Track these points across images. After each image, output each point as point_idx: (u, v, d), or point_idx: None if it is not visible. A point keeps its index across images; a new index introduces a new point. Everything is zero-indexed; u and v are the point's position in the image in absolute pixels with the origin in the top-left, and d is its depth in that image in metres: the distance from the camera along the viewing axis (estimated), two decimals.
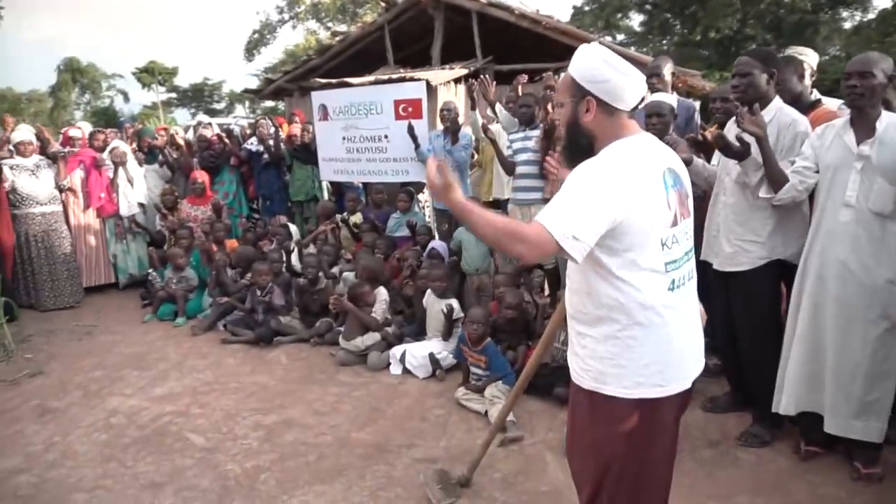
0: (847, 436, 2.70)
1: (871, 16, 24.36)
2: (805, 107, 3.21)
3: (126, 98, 39.74)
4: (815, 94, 3.43)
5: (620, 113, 1.65)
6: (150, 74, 38.88)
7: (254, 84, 31.62)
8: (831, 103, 3.37)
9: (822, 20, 25.63)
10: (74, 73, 38.34)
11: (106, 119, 30.98)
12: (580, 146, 1.69)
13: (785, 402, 2.85)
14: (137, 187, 6.67)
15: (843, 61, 20.77)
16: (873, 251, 2.51)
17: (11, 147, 6.00)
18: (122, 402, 3.96)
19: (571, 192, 1.53)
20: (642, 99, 1.70)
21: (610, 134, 1.65)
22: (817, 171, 2.66)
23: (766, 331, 2.98)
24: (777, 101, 2.95)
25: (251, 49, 34.47)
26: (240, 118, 21.84)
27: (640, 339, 1.62)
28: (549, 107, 4.46)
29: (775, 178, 2.72)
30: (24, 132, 6.14)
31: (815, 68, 3.41)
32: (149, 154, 7.23)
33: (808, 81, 3.36)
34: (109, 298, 6.49)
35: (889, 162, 2.45)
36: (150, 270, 6.34)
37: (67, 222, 6.32)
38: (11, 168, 5.89)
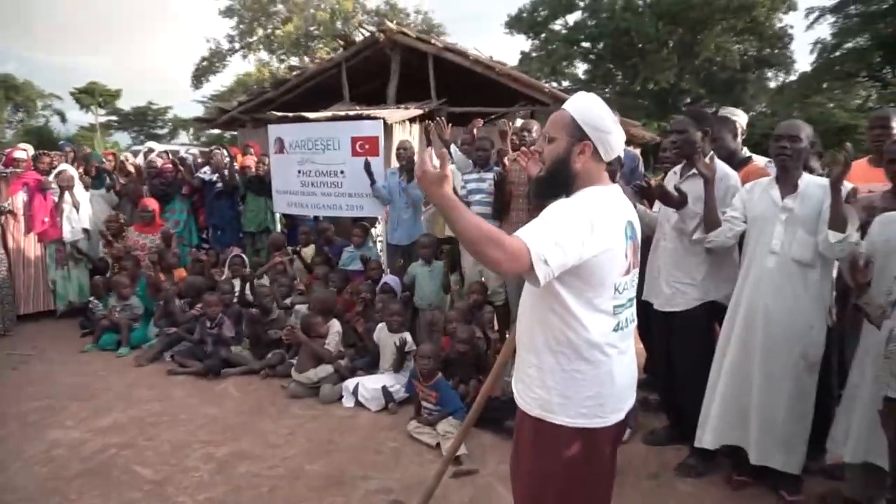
0: (770, 466, 2.93)
1: (793, 77, 26.34)
2: (737, 163, 3.54)
3: (63, 119, 38.44)
4: (746, 152, 3.78)
5: (602, 163, 1.81)
6: (90, 95, 37.83)
7: (199, 111, 31.27)
8: (760, 161, 3.71)
9: (750, 79, 27.53)
10: (8, 91, 36.89)
11: (40, 139, 29.80)
12: (560, 183, 1.80)
13: (708, 437, 3.06)
14: (83, 213, 6.52)
15: (769, 118, 22.30)
16: (795, 296, 2.79)
17: None
18: (63, 434, 3.84)
19: (553, 221, 1.62)
20: None
21: (590, 179, 1.79)
22: (745, 222, 2.94)
23: (701, 368, 3.20)
24: (712, 157, 3.25)
25: (199, 76, 34.14)
26: (185, 145, 21.50)
27: (585, 373, 1.76)
28: (506, 159, 4.68)
29: (712, 221, 2.99)
30: None
31: (745, 127, 3.76)
32: (95, 179, 7.08)
33: (739, 140, 3.70)
34: (45, 327, 6.26)
35: (809, 215, 2.75)
36: (91, 298, 6.18)
37: (5, 246, 6.11)
38: None
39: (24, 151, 6.75)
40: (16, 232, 6.22)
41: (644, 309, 3.78)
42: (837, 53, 23.55)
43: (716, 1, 23.53)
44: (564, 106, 1.81)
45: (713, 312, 3.23)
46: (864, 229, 2.79)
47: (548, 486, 1.84)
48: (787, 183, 2.83)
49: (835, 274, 3.07)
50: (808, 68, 24.94)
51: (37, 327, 6.21)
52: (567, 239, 1.59)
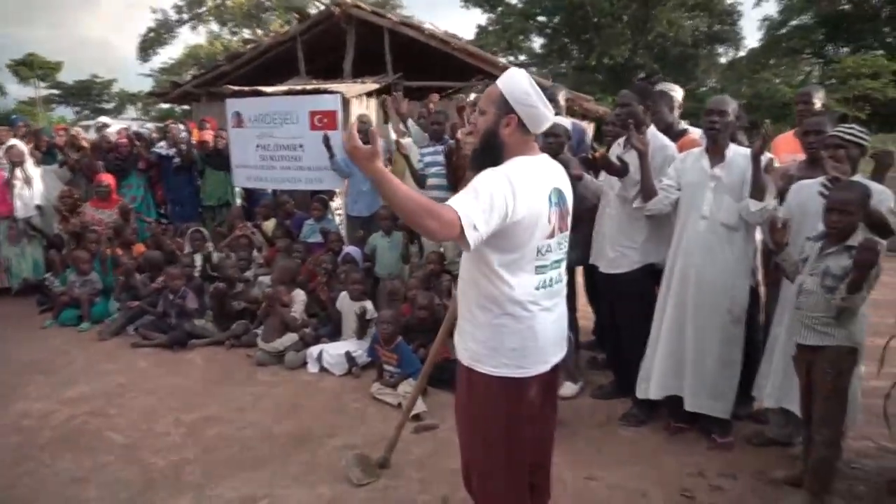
0: (703, 412, 3.24)
1: (743, 53, 27.07)
2: (675, 135, 3.79)
3: (1, 92, 36.74)
4: (683, 125, 4.04)
5: (530, 135, 1.96)
6: (28, 68, 36.22)
7: (146, 85, 30.33)
8: (696, 132, 3.97)
9: (702, 55, 28.13)
10: None
11: None
12: (491, 152, 1.95)
13: (652, 389, 3.35)
14: (35, 188, 6.41)
15: (719, 93, 22.90)
16: (722, 257, 3.08)
17: None
18: (29, 405, 3.91)
19: (480, 189, 1.76)
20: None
21: (518, 150, 1.94)
22: (679, 189, 3.20)
23: (642, 325, 3.48)
24: (652, 129, 3.50)
25: (146, 49, 32.99)
26: (135, 120, 20.90)
27: (509, 326, 1.95)
28: (459, 133, 4.84)
29: (648, 190, 3.25)
30: None
31: (681, 102, 4.02)
32: (47, 154, 6.96)
33: (676, 113, 3.95)
34: (2, 304, 6.19)
35: (735, 183, 3.02)
36: (48, 275, 6.13)
37: None
38: None
39: None
40: None
41: (591, 273, 4.07)
42: (783, 31, 24.35)
43: None
44: (496, 82, 1.96)
45: (653, 274, 3.50)
46: (782, 195, 3.09)
47: (480, 429, 2.06)
48: (715, 153, 3.09)
49: (759, 237, 3.37)
50: (756, 45, 25.77)
51: None
52: (493, 205, 1.74)
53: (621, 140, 3.64)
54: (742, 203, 2.99)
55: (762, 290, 3.59)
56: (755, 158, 2.87)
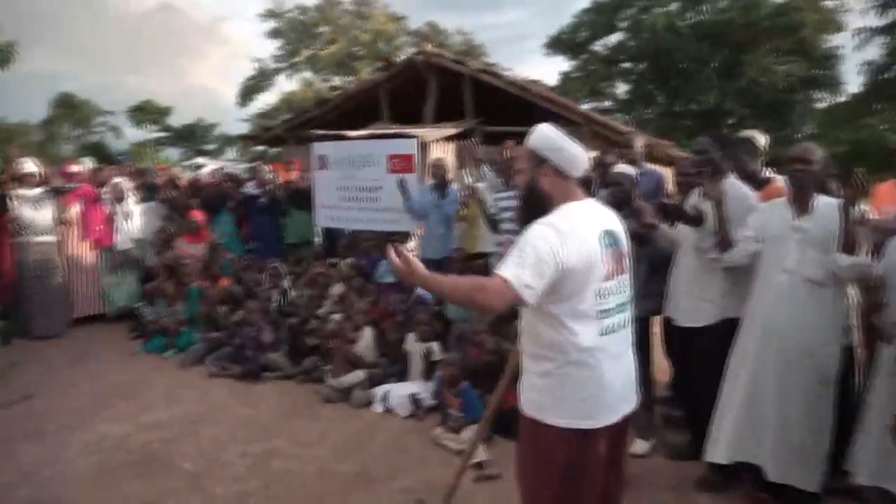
0: (788, 483, 2.96)
1: (842, 98, 25.70)
2: (758, 183, 3.61)
3: (118, 134, 40.13)
4: (768, 172, 3.85)
5: (570, 179, 1.98)
6: (143, 113, 39.41)
7: (244, 128, 32.27)
8: (781, 181, 3.77)
9: (797, 100, 26.95)
10: (68, 108, 38.74)
11: (96, 154, 31.21)
12: (537, 206, 1.98)
13: (721, 452, 3.09)
14: (134, 223, 6.91)
15: (817, 139, 21.86)
16: (809, 314, 2.85)
17: (17, 179, 6.25)
18: (111, 427, 4.11)
19: (524, 247, 1.81)
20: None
21: (562, 197, 1.97)
22: (760, 241, 3.02)
23: (719, 384, 3.26)
24: (731, 177, 3.35)
25: (246, 95, 35.30)
26: (231, 161, 22.22)
27: (574, 376, 1.90)
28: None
29: (725, 241, 3.08)
30: (30, 165, 6.41)
31: (765, 149, 3.84)
32: (149, 192, 7.50)
33: (759, 161, 3.78)
34: (98, 329, 6.64)
35: (822, 235, 2.82)
36: (140, 303, 6.53)
37: (62, 254, 6.52)
38: (15, 199, 6.12)
39: (80, 165, 7.24)
40: (73, 240, 6.65)
41: (668, 325, 3.88)
42: (888, 75, 23.01)
43: (760, 22, 23.21)
44: (526, 142, 2.03)
45: (732, 329, 3.30)
46: (878, 250, 2.85)
47: (542, 483, 1.98)
48: (800, 204, 2.90)
49: (858, 295, 3.12)
50: (857, 89, 24.44)
51: (91, 329, 6.60)
52: (539, 259, 1.77)
53: (699, 189, 3.51)
54: (830, 256, 2.78)
55: (859, 350, 3.30)
56: (845, 209, 2.68)
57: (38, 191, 6.33)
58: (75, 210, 6.64)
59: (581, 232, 1.87)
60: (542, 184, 1.97)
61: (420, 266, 1.86)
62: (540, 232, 1.83)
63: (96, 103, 39.25)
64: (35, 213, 6.23)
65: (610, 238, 1.96)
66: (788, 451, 2.93)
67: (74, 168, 7.13)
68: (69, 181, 6.81)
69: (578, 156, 1.96)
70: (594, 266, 1.88)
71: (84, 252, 6.72)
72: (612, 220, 2.04)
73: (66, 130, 38.90)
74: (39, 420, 4.21)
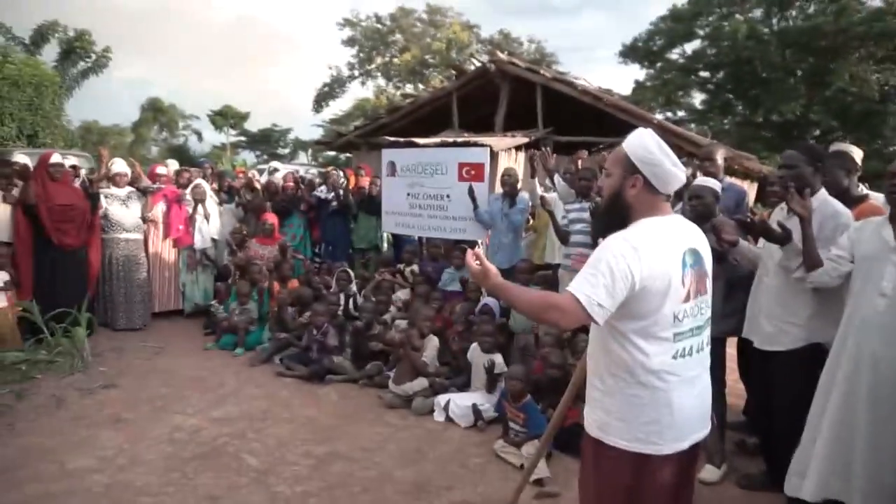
0: None
1: None
2: (852, 200, 3.38)
3: (200, 137, 42.14)
4: (863, 189, 3.60)
5: (659, 195, 1.87)
6: (223, 117, 41.25)
7: (317, 133, 33.26)
8: (878, 198, 3.52)
9: (891, 111, 25.34)
10: (156, 112, 40.99)
11: (178, 156, 32.91)
12: (617, 215, 1.89)
13: (809, 487, 2.86)
14: (212, 223, 7.19)
15: None
16: None
17: (108, 178, 6.62)
18: (184, 419, 4.27)
19: (598, 264, 1.73)
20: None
21: (645, 211, 1.86)
22: (851, 262, 2.81)
23: (802, 413, 3.06)
24: (822, 193, 3.15)
25: (320, 101, 36.36)
26: (304, 165, 22.92)
27: (643, 398, 1.81)
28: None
29: (812, 260, 2.90)
30: (121, 165, 6.78)
31: (859, 164, 3.59)
32: (227, 194, 7.80)
33: (854, 176, 3.53)
34: (175, 324, 6.93)
35: None
36: (214, 301, 6.78)
37: (146, 250, 6.85)
38: (106, 196, 6.49)
39: (166, 167, 7.60)
40: (155, 238, 6.98)
41: (744, 347, 3.69)
42: None
43: (852, 28, 21.95)
44: (623, 143, 1.90)
45: (818, 355, 3.09)
46: None
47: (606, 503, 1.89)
48: None
49: None
50: None
51: (168, 324, 6.89)
52: (614, 277, 1.70)
53: (784, 204, 3.32)
54: None
55: None
56: None
57: (127, 190, 6.68)
58: (160, 209, 6.98)
59: (660, 250, 1.78)
60: (627, 194, 1.87)
61: (495, 271, 1.83)
62: (616, 247, 1.75)
63: (181, 108, 41.59)
64: (123, 210, 6.57)
65: (693, 257, 1.86)
66: (880, 490, 2.70)
67: (161, 169, 7.49)
68: (155, 182, 7.16)
69: (675, 174, 1.84)
70: (672, 286, 1.79)
71: (165, 250, 7.04)
72: (697, 238, 1.93)
73: (153, 133, 41.29)
74: (120, 408, 4.41)
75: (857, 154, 3.61)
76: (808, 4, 25.57)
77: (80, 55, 19.35)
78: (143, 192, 6.82)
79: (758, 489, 3.47)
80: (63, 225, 5.92)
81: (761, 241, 3.43)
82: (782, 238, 2.97)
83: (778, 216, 3.28)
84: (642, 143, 1.86)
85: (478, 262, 1.83)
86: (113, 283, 6.51)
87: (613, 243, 1.78)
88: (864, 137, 23.00)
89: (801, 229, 2.91)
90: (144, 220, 6.75)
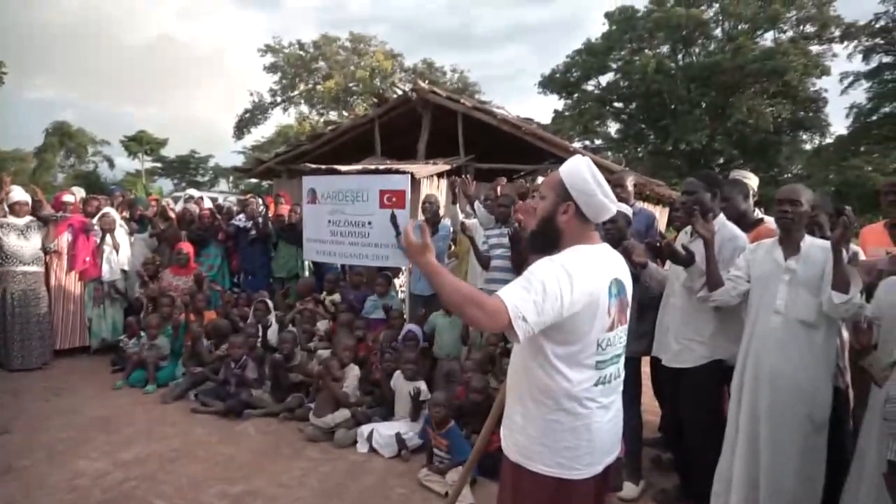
0: None
1: (829, 140, 26.20)
2: (748, 224, 3.62)
3: (111, 164, 40.26)
4: (758, 213, 3.86)
5: (589, 223, 1.91)
6: (138, 143, 39.63)
7: (238, 160, 32.48)
8: (772, 222, 3.77)
9: (785, 141, 27.44)
10: (63, 137, 38.87)
11: (88, 183, 31.24)
12: (547, 238, 1.91)
13: (734, 501, 3.00)
14: (122, 254, 6.83)
15: (805, 180, 22.18)
16: (800, 356, 2.81)
17: (6, 206, 6.19)
18: (87, 464, 3.98)
19: (533, 280, 1.71)
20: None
21: (576, 238, 1.89)
22: (748, 281, 3.00)
23: (708, 426, 3.21)
24: (721, 217, 3.36)
25: (241, 127, 35.62)
26: (223, 193, 22.29)
27: (564, 423, 1.84)
28: (518, 215, 4.84)
29: (713, 280, 3.07)
30: (20, 193, 6.36)
31: (756, 190, 3.85)
32: (139, 223, 7.45)
33: (750, 202, 3.79)
34: (79, 362, 6.49)
35: (811, 277, 2.80)
36: (123, 336, 6.41)
37: (47, 284, 6.42)
38: (2, 227, 6.06)
39: (73, 195, 7.19)
40: (58, 270, 6.56)
41: (656, 365, 3.83)
42: (874, 118, 23.50)
43: (747, 65, 23.77)
44: (559, 168, 1.93)
45: (720, 371, 3.25)
46: (869, 291, 2.84)
47: None
48: (789, 244, 2.89)
49: (846, 336, 3.09)
50: (843, 131, 24.94)
51: (72, 362, 6.44)
52: (545, 297, 1.68)
53: (689, 228, 3.50)
54: (825, 296, 2.74)
55: (851, 392, 3.26)
56: (836, 248, 2.66)
57: (27, 219, 6.26)
58: (65, 239, 6.58)
59: (591, 278, 1.80)
60: (559, 220, 1.89)
61: (431, 250, 1.75)
62: (551, 269, 1.75)
63: (91, 132, 39.66)
64: (22, 241, 6.14)
65: (618, 287, 1.89)
66: (780, 497, 2.86)
67: (67, 198, 7.08)
68: (62, 211, 6.75)
69: (605, 205, 1.86)
70: (599, 315, 1.81)
71: (70, 283, 6.63)
72: (622, 269, 1.97)
73: (59, 159, 39.08)
74: (14, 456, 4.06)
75: (754, 181, 3.88)
76: (708, 42, 27.52)
77: None
78: (45, 222, 6.40)
79: (673, 503, 3.58)
80: None
81: (668, 263, 3.61)
82: (687, 260, 3.14)
83: (682, 239, 3.46)
84: (578, 172, 1.87)
85: (412, 236, 1.76)
86: (7, 320, 6.04)
87: (549, 265, 1.76)
88: (762, 166, 24.78)
89: (705, 251, 3.08)
90: (46, 251, 6.33)
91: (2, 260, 6.06)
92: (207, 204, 7.76)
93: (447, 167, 8.53)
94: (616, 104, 29.80)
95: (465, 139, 9.45)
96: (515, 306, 1.66)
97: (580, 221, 1.88)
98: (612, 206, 1.89)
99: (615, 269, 1.92)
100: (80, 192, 7.85)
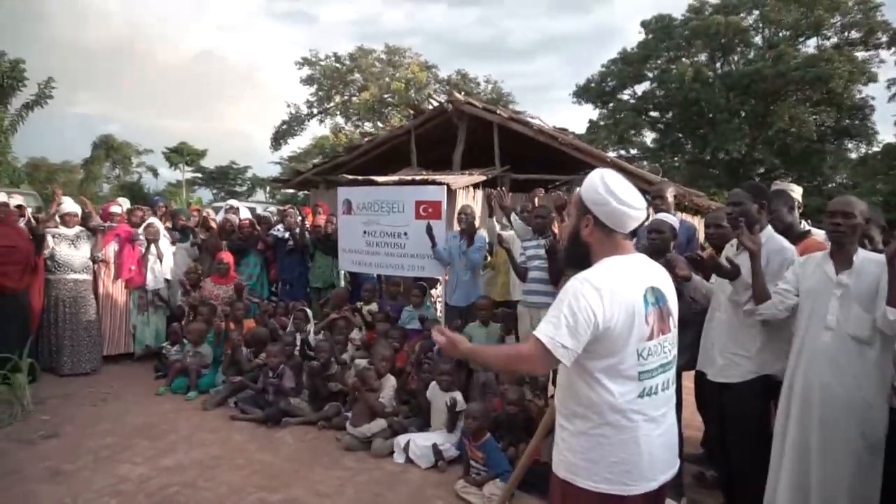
0: None
1: (876, 148, 25.39)
2: (795, 236, 3.52)
3: (155, 174, 41.35)
4: (805, 226, 3.75)
5: (616, 233, 1.89)
6: (178, 154, 40.64)
7: (275, 170, 33.04)
8: (819, 234, 3.67)
9: (828, 150, 26.68)
10: (109, 150, 40.10)
11: (132, 194, 32.15)
12: (578, 253, 1.96)
13: None
14: (166, 263, 7.02)
15: (850, 190, 21.54)
16: (852, 373, 2.71)
17: (57, 217, 6.41)
18: (131, 469, 4.07)
19: (561, 307, 1.77)
20: (643, 222, 1.99)
21: (604, 250, 1.89)
22: (797, 295, 2.91)
23: (754, 443, 3.12)
24: (768, 230, 3.28)
25: (278, 139, 36.23)
26: (261, 203, 22.70)
27: (610, 437, 1.82)
28: (555, 226, 4.82)
29: (760, 293, 3.00)
30: (70, 204, 6.59)
31: (800, 201, 3.75)
32: (181, 233, 7.63)
33: (795, 213, 3.69)
34: (124, 368, 6.67)
35: (864, 291, 2.70)
36: (165, 343, 6.56)
37: (95, 292, 6.62)
38: (53, 236, 6.27)
39: (120, 206, 7.41)
40: (106, 279, 6.76)
41: (700, 380, 3.75)
42: None
43: (789, 73, 23.23)
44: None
45: (768, 387, 3.16)
46: None
47: None
48: (841, 258, 2.80)
49: None
50: (892, 139, 24.15)
51: (118, 368, 6.62)
52: (577, 319, 1.73)
53: (734, 241, 3.43)
54: (879, 311, 2.64)
55: None
56: (891, 261, 2.56)
57: (76, 229, 6.47)
58: (112, 249, 6.78)
59: (621, 289, 1.80)
60: (583, 233, 1.92)
61: (461, 339, 1.93)
62: (577, 289, 1.78)
63: (135, 144, 40.83)
64: (72, 251, 6.35)
65: (655, 295, 1.88)
66: None
67: (115, 209, 7.30)
68: (109, 221, 6.97)
69: (623, 213, 1.85)
70: (635, 325, 1.80)
71: (116, 291, 6.82)
72: (660, 277, 1.95)
73: (105, 170, 40.32)
74: (61, 459, 4.18)
75: (798, 192, 3.79)
76: (748, 50, 27.02)
77: (13, 86, 18.59)
78: (94, 232, 6.61)
79: None
80: (3, 267, 5.68)
81: (713, 276, 3.53)
82: (732, 273, 3.07)
83: (728, 252, 3.38)
84: (591, 184, 1.89)
85: (443, 336, 1.93)
86: (59, 326, 6.24)
87: (576, 285, 1.80)
88: (805, 175, 24.17)
89: (751, 264, 3.01)
90: (94, 260, 6.54)
91: (53, 268, 6.27)
92: (244, 214, 7.91)
93: (483, 178, 8.53)
94: (652, 113, 29.46)
95: (500, 150, 9.44)
96: (551, 339, 1.75)
97: (603, 233, 1.90)
98: (632, 212, 1.87)
99: (651, 278, 1.91)
100: (125, 203, 8.08)
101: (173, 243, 7.32)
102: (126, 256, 6.81)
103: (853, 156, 27.08)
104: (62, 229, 6.38)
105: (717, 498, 3.66)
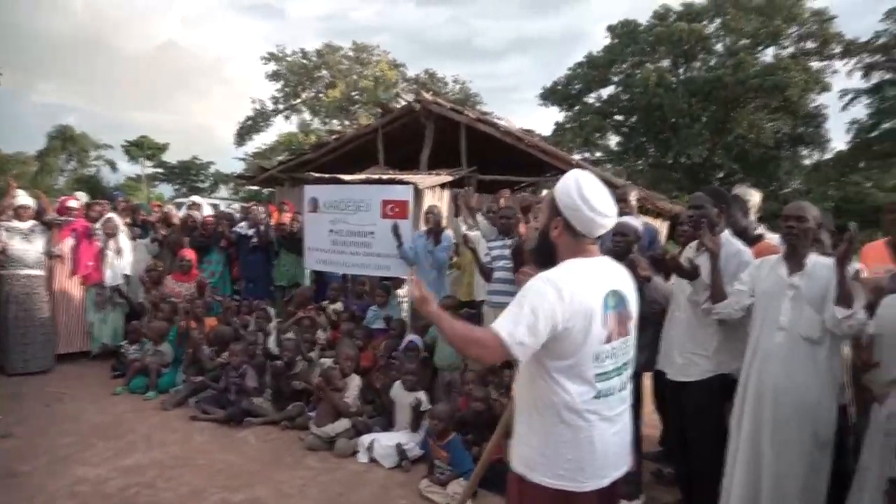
0: None
1: (829, 156, 26.30)
2: (749, 240, 3.64)
3: (113, 168, 40.28)
4: (760, 229, 3.88)
5: (583, 238, 1.92)
6: (139, 148, 39.68)
7: (239, 166, 32.52)
8: (773, 238, 3.80)
9: (784, 156, 27.53)
10: (65, 141, 38.88)
11: (89, 187, 31.24)
12: (545, 253, 1.99)
13: None
14: (125, 259, 6.84)
15: (803, 195, 22.25)
16: (804, 373, 2.81)
17: (10, 211, 6.20)
18: (88, 470, 3.97)
19: (523, 303, 1.79)
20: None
21: (570, 252, 1.92)
22: (752, 296, 3.02)
23: (712, 441, 3.21)
24: (726, 233, 3.38)
25: (243, 134, 35.69)
26: (224, 200, 22.32)
27: (565, 436, 1.86)
28: (521, 227, 4.87)
29: (718, 293, 3.10)
30: (24, 197, 6.38)
31: (758, 206, 3.88)
32: (142, 228, 7.46)
33: (752, 217, 3.82)
34: (80, 367, 6.49)
35: (816, 293, 2.81)
36: (124, 342, 6.41)
37: (50, 288, 6.43)
38: (6, 230, 6.07)
39: (77, 200, 7.21)
40: (61, 275, 6.57)
41: (659, 379, 3.85)
42: (874, 134, 23.62)
43: (748, 80, 23.90)
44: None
45: (725, 385, 3.26)
46: (871, 309, 2.85)
47: None
48: (794, 261, 2.91)
49: (847, 351, 3.10)
50: (843, 147, 25.04)
51: (73, 367, 6.44)
52: (537, 316, 1.76)
53: (694, 243, 3.53)
54: (828, 312, 2.76)
55: (852, 409, 3.26)
56: (840, 263, 2.67)
57: (30, 223, 6.27)
58: (68, 244, 6.59)
59: (582, 292, 1.82)
60: (552, 235, 1.95)
61: (433, 301, 1.91)
62: (539, 288, 1.81)
63: (93, 137, 39.71)
64: (25, 245, 6.16)
65: (616, 299, 1.91)
66: None
67: (72, 203, 7.10)
68: (66, 215, 6.77)
69: (593, 220, 1.86)
70: (593, 328, 1.83)
71: (72, 287, 6.64)
72: (622, 280, 1.98)
73: (61, 162, 39.08)
74: (16, 461, 4.06)
75: (757, 196, 3.91)
76: (710, 57, 27.69)
77: None
78: (49, 226, 6.42)
79: None
80: None
81: (673, 277, 3.63)
82: (691, 273, 3.16)
83: (687, 253, 3.48)
84: (565, 188, 1.90)
85: (419, 290, 1.92)
86: (10, 323, 6.04)
87: (538, 283, 1.82)
88: (762, 180, 24.84)
89: (711, 264, 3.11)
90: (49, 255, 6.35)
91: (5, 263, 6.07)
92: (207, 210, 7.77)
93: (450, 178, 8.55)
94: (617, 117, 29.94)
95: (467, 150, 9.48)
96: (510, 334, 1.75)
97: (572, 236, 1.92)
98: (602, 220, 1.88)
99: (613, 281, 1.94)
100: (83, 198, 7.87)
101: (133, 239, 7.15)
102: (83, 252, 6.64)
103: (807, 162, 28.00)
104: (15, 223, 6.17)
105: (675, 494, 3.75)
